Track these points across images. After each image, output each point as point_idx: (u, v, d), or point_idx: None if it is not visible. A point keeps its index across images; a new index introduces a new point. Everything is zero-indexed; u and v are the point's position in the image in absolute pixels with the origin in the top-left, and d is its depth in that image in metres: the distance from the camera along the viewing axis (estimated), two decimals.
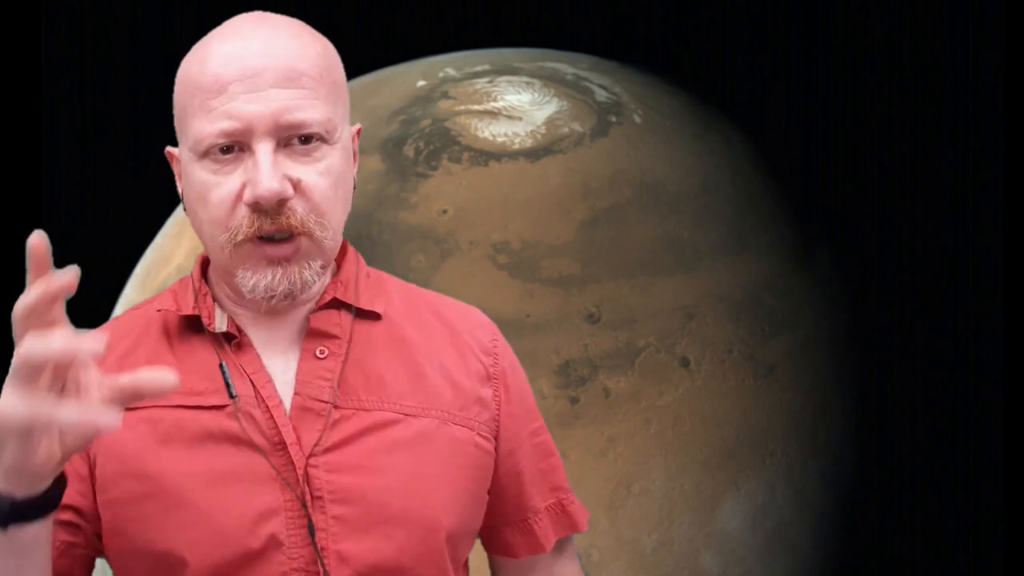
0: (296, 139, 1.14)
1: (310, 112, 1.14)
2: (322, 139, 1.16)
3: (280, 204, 1.13)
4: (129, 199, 3.20)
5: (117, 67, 3.25)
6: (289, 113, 1.13)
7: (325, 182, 1.15)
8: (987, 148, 2.96)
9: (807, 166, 3.12)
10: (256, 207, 1.13)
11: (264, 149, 1.12)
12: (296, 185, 1.14)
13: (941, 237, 3.05)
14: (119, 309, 3.11)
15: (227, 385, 1.16)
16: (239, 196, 1.13)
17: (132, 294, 3.11)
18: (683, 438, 2.60)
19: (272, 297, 1.16)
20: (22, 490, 0.98)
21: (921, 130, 3.09)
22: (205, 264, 1.26)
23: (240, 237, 1.14)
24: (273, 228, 1.13)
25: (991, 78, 2.92)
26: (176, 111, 1.19)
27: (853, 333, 2.93)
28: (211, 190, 1.14)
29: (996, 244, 2.86)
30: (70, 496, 1.14)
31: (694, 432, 2.61)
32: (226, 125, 1.12)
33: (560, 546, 1.35)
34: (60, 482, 1.02)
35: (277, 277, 1.15)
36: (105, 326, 1.26)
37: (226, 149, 1.14)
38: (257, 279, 1.15)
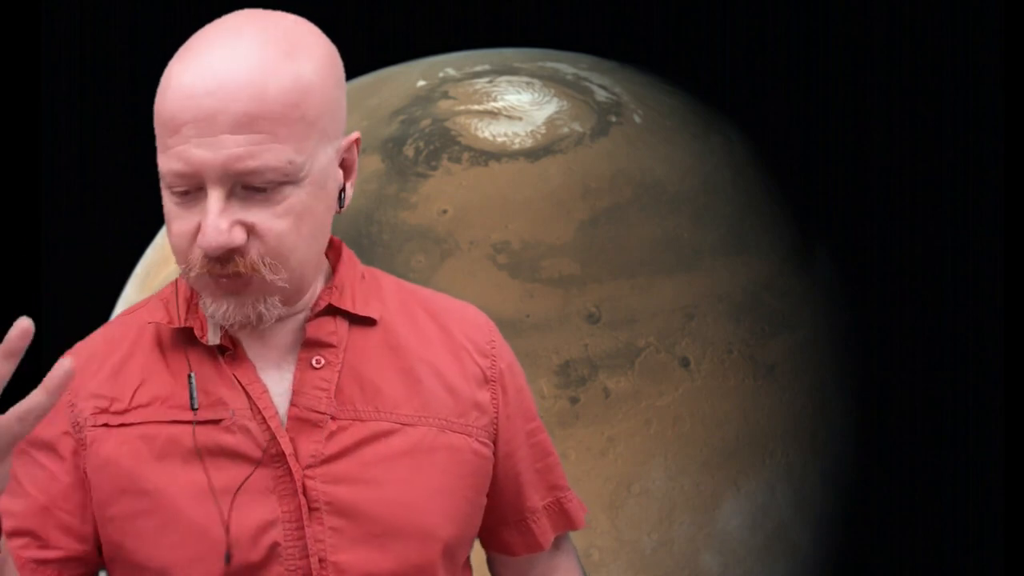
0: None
1: (264, 159, 1.08)
2: (281, 182, 1.10)
3: (229, 252, 1.09)
4: (129, 199, 3.20)
5: (117, 67, 3.25)
6: (240, 162, 1.07)
7: (283, 224, 1.10)
8: (987, 148, 2.96)
9: (807, 166, 3.12)
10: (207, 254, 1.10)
11: (214, 197, 1.08)
12: (251, 229, 1.10)
13: (941, 237, 3.05)
14: (119, 309, 3.11)
15: (191, 398, 1.15)
16: (195, 235, 1.11)
17: (132, 294, 3.11)
18: (683, 438, 2.60)
19: (232, 325, 1.15)
20: None
21: (921, 130, 3.09)
22: None
23: (194, 273, 1.12)
24: (223, 271, 1.11)
25: (991, 78, 2.92)
26: None
27: (853, 333, 2.93)
28: (172, 221, 1.13)
29: (996, 244, 2.86)
30: (71, 548, 1.15)
31: (694, 432, 2.61)
32: (178, 168, 1.09)
33: (558, 542, 1.35)
34: None
35: (231, 308, 1.13)
36: (97, 333, 1.25)
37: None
38: (215, 307, 1.13)
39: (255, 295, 1.13)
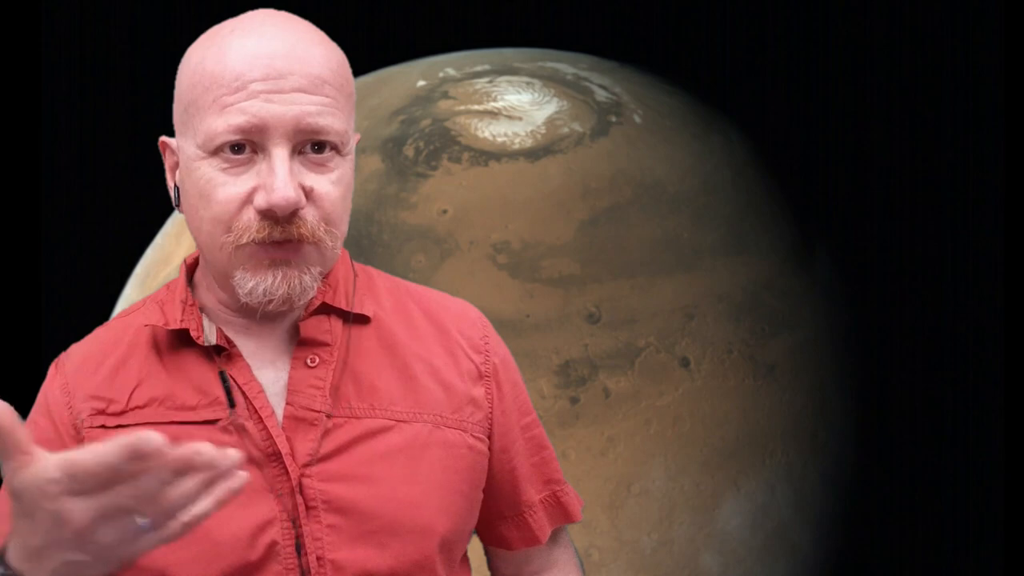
0: (310, 147, 1.12)
1: (330, 120, 1.12)
2: (335, 149, 1.14)
3: (292, 213, 1.11)
4: (129, 199, 3.20)
5: (117, 67, 3.25)
6: (311, 118, 1.10)
7: (337, 192, 1.14)
8: (987, 148, 2.96)
9: (807, 166, 3.12)
10: (268, 214, 1.10)
11: (281, 155, 1.10)
12: (309, 193, 1.12)
13: (941, 237, 3.05)
14: (119, 309, 3.11)
15: (227, 393, 1.15)
16: (247, 198, 1.11)
17: (132, 294, 3.11)
18: (683, 438, 2.60)
19: (270, 301, 1.14)
20: None
21: (921, 130, 3.09)
22: (191, 270, 1.25)
23: (245, 240, 1.12)
24: (282, 236, 1.11)
25: (991, 78, 2.92)
26: (182, 103, 1.15)
27: (853, 333, 2.93)
28: (217, 188, 1.12)
29: (996, 244, 2.86)
30: None
31: (694, 432, 2.61)
32: (242, 121, 1.09)
33: (555, 536, 1.36)
34: None
35: (277, 281, 1.13)
36: (93, 335, 1.25)
37: (238, 148, 1.11)
38: (256, 282, 1.13)
39: (302, 264, 1.14)
